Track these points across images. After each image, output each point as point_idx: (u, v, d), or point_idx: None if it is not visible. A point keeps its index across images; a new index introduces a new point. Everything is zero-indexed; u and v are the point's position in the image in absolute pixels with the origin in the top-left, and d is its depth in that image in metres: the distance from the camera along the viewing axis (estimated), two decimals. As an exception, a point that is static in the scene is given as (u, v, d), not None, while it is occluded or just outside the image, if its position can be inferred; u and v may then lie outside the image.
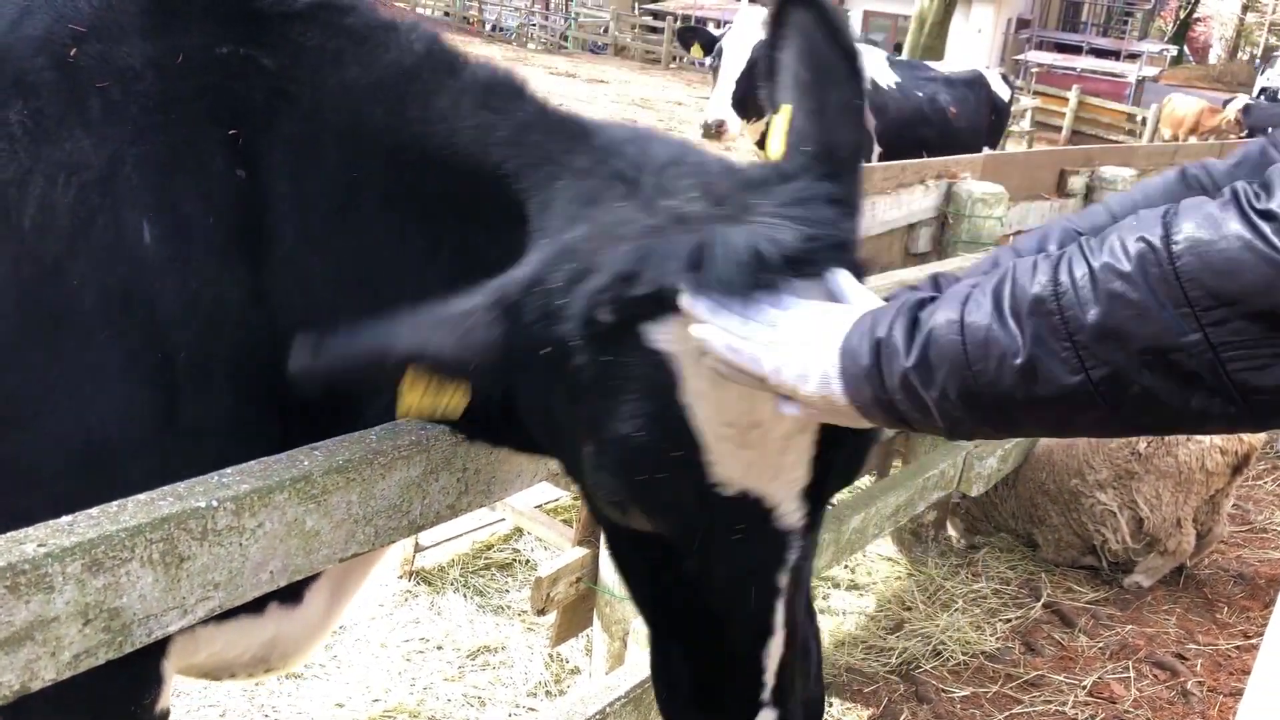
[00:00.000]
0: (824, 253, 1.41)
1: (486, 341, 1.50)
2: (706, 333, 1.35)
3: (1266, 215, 0.97)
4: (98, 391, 1.70)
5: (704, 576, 1.56)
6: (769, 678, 1.61)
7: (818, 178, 1.51)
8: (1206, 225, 1.01)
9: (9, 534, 1.37)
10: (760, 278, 1.35)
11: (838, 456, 1.51)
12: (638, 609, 1.78)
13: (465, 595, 4.64)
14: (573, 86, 21.89)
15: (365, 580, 2.43)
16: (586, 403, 1.49)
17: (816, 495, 1.53)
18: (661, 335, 1.40)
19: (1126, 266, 1.06)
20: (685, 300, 1.39)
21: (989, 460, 4.93)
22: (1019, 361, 1.13)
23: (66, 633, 1.39)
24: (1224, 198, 1.02)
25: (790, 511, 1.50)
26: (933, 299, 1.28)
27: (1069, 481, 5.23)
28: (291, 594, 2.10)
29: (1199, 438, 4.87)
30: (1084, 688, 4.31)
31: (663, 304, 1.37)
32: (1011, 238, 5.36)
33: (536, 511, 4.83)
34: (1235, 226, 0.99)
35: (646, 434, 1.41)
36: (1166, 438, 4.94)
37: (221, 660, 2.16)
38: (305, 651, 2.38)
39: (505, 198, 1.71)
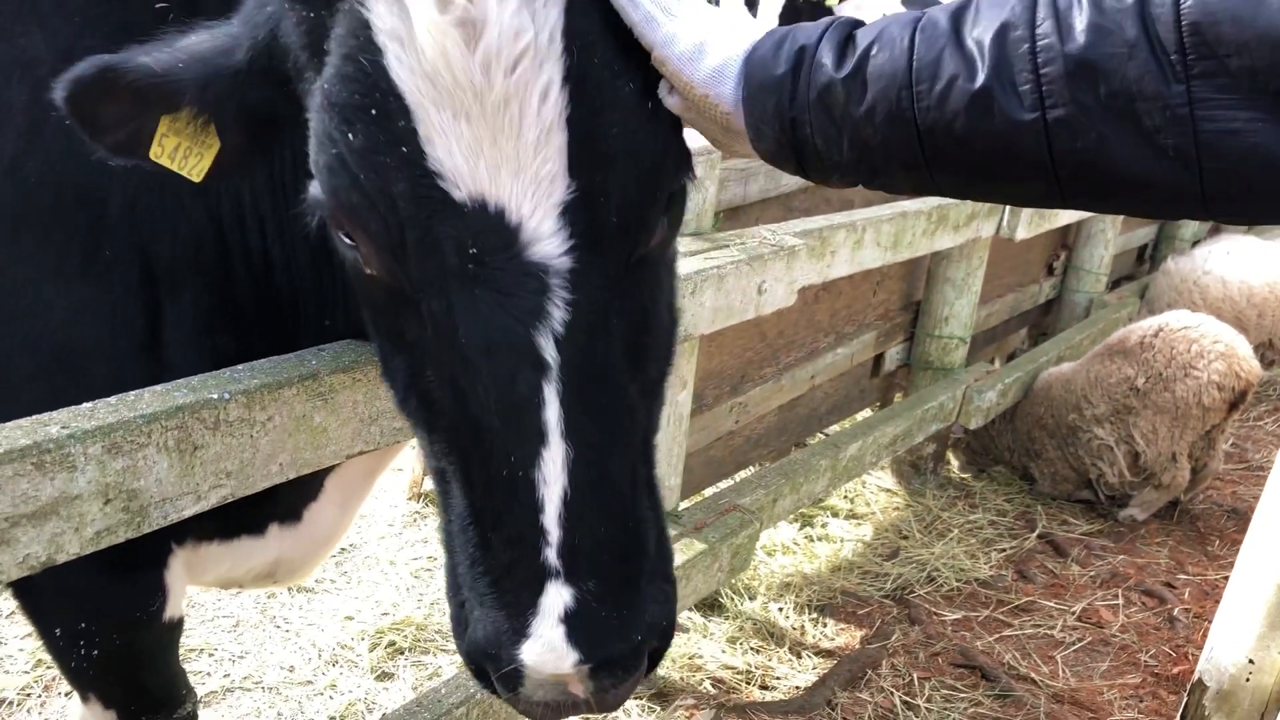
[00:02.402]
0: None
1: (212, 49, 1.37)
2: None
3: None
4: (58, 293, 1.72)
5: (446, 348, 1.23)
6: (550, 523, 1.21)
7: None
8: None
9: (34, 416, 1.46)
10: None
11: (605, 154, 1.18)
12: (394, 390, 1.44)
13: (472, 517, 4.75)
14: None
15: (366, 498, 2.49)
16: (302, 83, 1.29)
17: (589, 223, 1.19)
18: None
19: (1125, 2, 0.98)
20: None
21: (988, 394, 5.01)
22: (972, 87, 1.05)
23: (89, 510, 1.49)
24: None
25: (545, 235, 1.17)
26: (864, 25, 1.18)
27: (1066, 416, 5.30)
28: (291, 514, 2.19)
29: (1197, 373, 4.93)
30: (1073, 613, 4.42)
31: None
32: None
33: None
34: None
35: (340, 85, 1.17)
36: (1165, 374, 5.00)
37: (229, 578, 2.26)
38: (309, 567, 2.46)
39: None
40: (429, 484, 4.90)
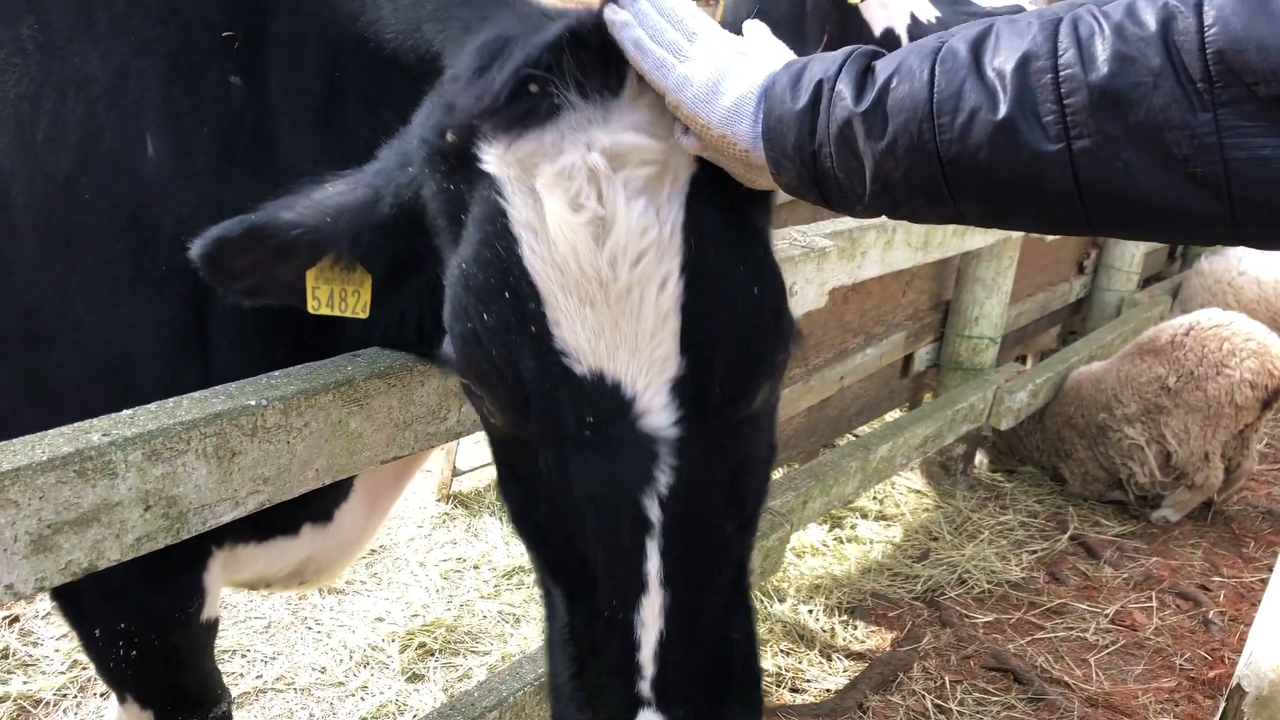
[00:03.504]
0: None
1: (346, 205, 1.46)
2: (617, 16, 1.24)
3: None
4: (112, 304, 1.75)
5: (559, 495, 1.31)
6: (646, 660, 1.29)
7: None
8: None
9: (75, 424, 1.47)
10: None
11: (715, 336, 1.25)
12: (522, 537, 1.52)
13: (501, 518, 4.76)
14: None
15: (395, 501, 2.51)
16: (438, 238, 1.40)
17: (697, 395, 1.26)
18: (490, 154, 1.25)
19: (1149, 30, 0.96)
20: None
21: (1019, 394, 4.97)
22: (995, 119, 1.03)
23: (129, 517, 1.50)
24: None
25: (656, 409, 1.25)
26: (883, 54, 1.17)
27: (1097, 416, 5.25)
28: (323, 515, 2.20)
29: (1229, 371, 4.88)
30: (1106, 616, 4.38)
31: (497, 119, 1.23)
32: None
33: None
34: None
35: (478, 268, 1.26)
36: (1196, 372, 4.95)
37: (262, 576, 2.28)
38: (338, 568, 2.48)
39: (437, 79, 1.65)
40: (458, 485, 4.91)
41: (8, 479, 1.34)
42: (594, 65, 1.22)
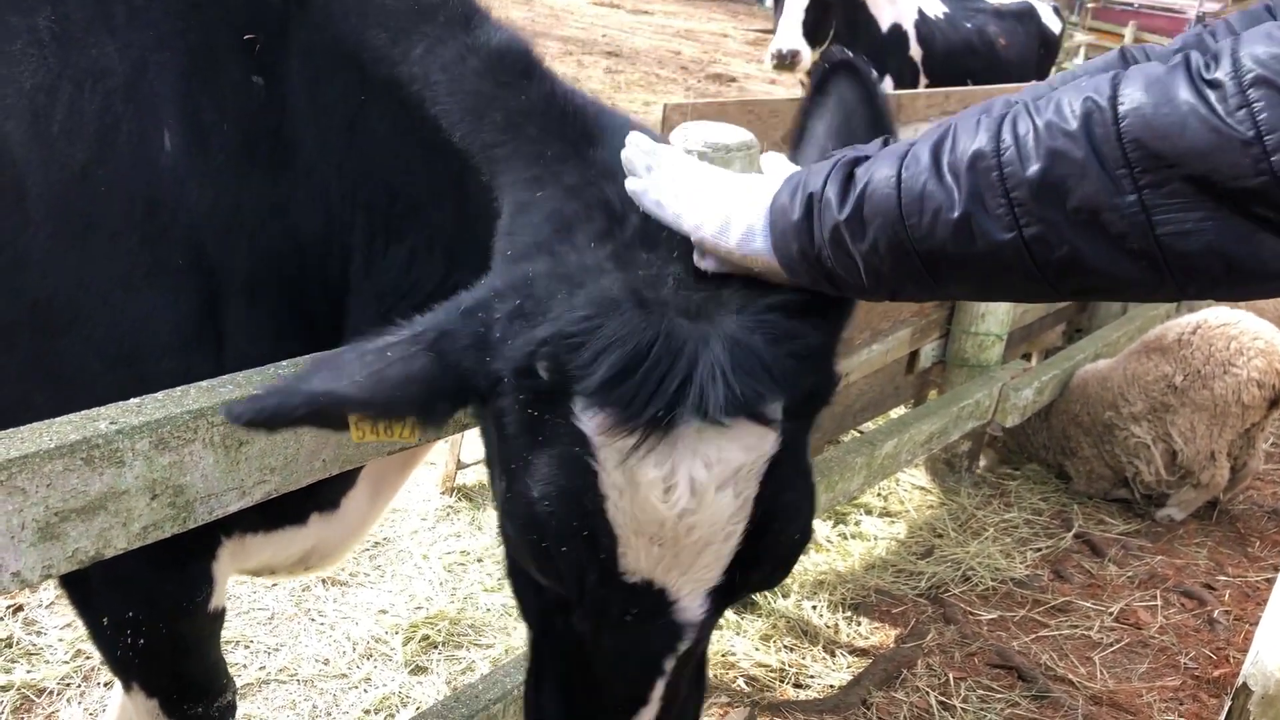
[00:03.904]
0: (742, 408, 1.30)
1: (413, 375, 1.39)
2: (637, 186, 1.44)
3: (1213, 84, 1.00)
4: (127, 297, 1.74)
5: (590, 641, 1.48)
6: None
7: (788, 308, 1.39)
8: (1153, 90, 1.03)
9: (83, 412, 1.47)
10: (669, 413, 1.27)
11: (757, 565, 1.44)
12: (524, 620, 1.69)
13: (504, 512, 4.75)
14: (616, 16, 21.67)
15: (400, 488, 2.51)
16: (506, 444, 1.43)
17: (725, 595, 1.46)
18: (591, 420, 1.31)
19: (1071, 125, 1.07)
20: (626, 158, 1.46)
21: (1025, 391, 4.96)
22: (954, 216, 1.15)
23: (136, 505, 1.49)
24: (1172, 62, 1.04)
25: (693, 607, 1.44)
26: (867, 158, 1.28)
27: (1103, 414, 5.24)
28: (330, 502, 2.20)
29: (1236, 370, 4.86)
30: (1111, 614, 4.38)
31: (618, 420, 1.29)
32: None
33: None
34: (1182, 92, 1.01)
35: (556, 506, 1.35)
36: (1203, 371, 4.94)
37: (268, 564, 2.28)
38: (341, 555, 2.49)
39: (488, 183, 1.65)
40: (462, 478, 4.91)
41: (15, 466, 1.34)
42: (721, 395, 1.29)
